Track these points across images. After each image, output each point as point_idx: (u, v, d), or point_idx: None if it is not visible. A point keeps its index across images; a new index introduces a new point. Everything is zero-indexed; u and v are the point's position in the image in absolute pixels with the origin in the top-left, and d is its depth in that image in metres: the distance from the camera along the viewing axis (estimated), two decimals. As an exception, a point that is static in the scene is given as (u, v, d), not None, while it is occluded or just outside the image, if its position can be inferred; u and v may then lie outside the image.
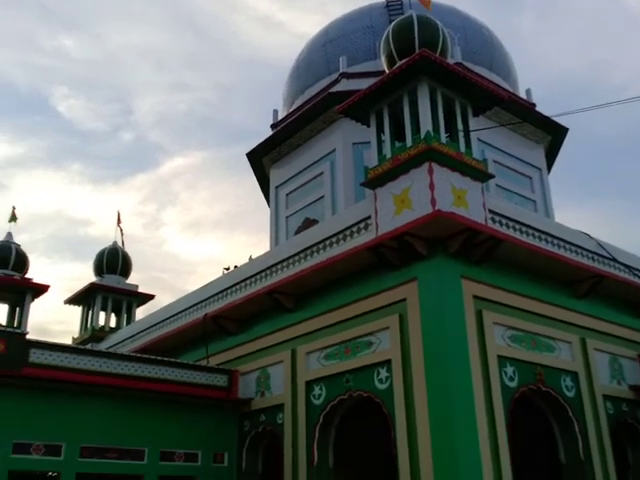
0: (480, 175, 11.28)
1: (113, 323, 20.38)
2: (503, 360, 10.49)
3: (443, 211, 9.97)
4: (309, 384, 11.99)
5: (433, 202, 10.21)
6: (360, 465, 14.24)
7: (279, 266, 13.17)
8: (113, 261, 20.66)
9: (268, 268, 13.42)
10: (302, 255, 12.70)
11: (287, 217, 17.81)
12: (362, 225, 11.63)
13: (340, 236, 11.99)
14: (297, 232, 16.33)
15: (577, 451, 10.98)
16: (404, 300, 10.62)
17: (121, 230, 22.14)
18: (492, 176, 11.91)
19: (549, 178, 19.39)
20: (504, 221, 11.57)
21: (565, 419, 11.17)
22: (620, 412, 12.09)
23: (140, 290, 20.98)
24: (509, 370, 10.53)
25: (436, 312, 10.08)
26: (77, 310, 20.89)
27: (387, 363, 10.59)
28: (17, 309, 11.83)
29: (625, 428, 12.33)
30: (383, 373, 10.64)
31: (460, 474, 9.11)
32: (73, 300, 20.48)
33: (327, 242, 12.20)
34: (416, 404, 9.90)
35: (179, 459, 12.48)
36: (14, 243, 12.31)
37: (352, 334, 11.35)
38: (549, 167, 19.90)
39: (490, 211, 11.29)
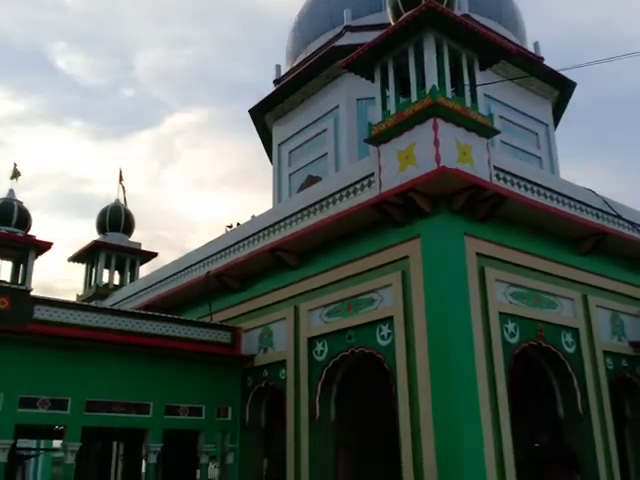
0: (486, 131, 11.12)
1: (117, 281, 20.47)
2: (504, 317, 10.53)
3: (448, 167, 9.85)
4: (311, 341, 12.09)
5: (437, 158, 10.08)
6: (361, 420, 14.48)
7: (282, 224, 13.12)
8: (116, 219, 20.61)
9: (271, 226, 13.38)
10: (305, 212, 12.63)
11: (290, 174, 17.67)
12: (365, 182, 11.52)
13: (343, 193, 11.90)
14: (300, 189, 16.23)
15: (576, 406, 11.12)
16: (407, 257, 10.60)
17: (123, 188, 22.04)
18: (498, 132, 11.74)
19: (555, 134, 19.14)
20: (509, 178, 11.45)
21: (564, 374, 11.27)
22: (619, 367, 12.19)
23: (143, 248, 21.03)
24: (510, 326, 10.58)
25: (439, 269, 10.07)
26: (81, 268, 21.03)
27: (389, 320, 10.65)
28: (21, 266, 11.85)
29: (624, 383, 12.46)
30: (385, 330, 10.70)
31: (461, 428, 9.24)
32: (77, 258, 20.54)
33: (330, 199, 12.12)
34: (417, 360, 9.99)
35: (183, 413, 12.69)
36: (16, 200, 12.25)
37: (354, 291, 11.38)
38: (556, 123, 19.63)
39: (495, 167, 11.17)
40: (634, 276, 13.23)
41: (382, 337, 10.74)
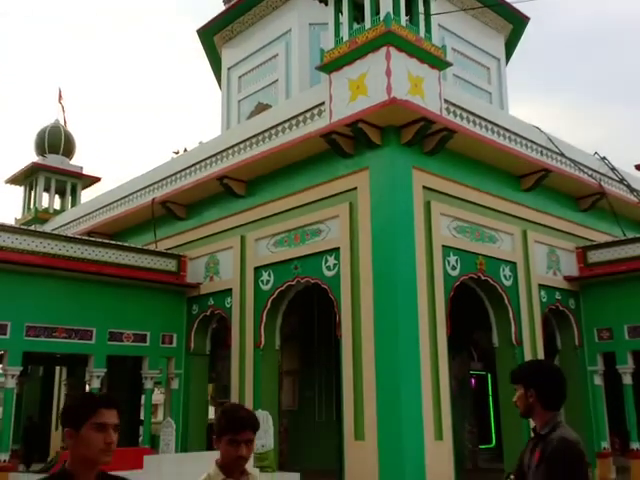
0: (438, 63, 11.00)
1: (57, 205, 19.83)
2: (447, 250, 10.77)
3: (399, 99, 9.76)
4: (258, 270, 12.12)
5: (389, 89, 9.95)
6: (305, 346, 14.83)
7: (230, 151, 12.84)
8: (55, 140, 19.69)
9: (219, 153, 13.08)
10: (254, 140, 12.37)
11: (239, 101, 17.17)
12: (316, 111, 11.32)
13: (293, 122, 11.68)
14: (250, 117, 15.82)
15: (510, 336, 11.63)
16: (355, 189, 10.62)
17: (62, 107, 21.00)
18: (450, 64, 11.65)
19: (506, 70, 19.14)
20: (459, 112, 11.44)
21: (501, 306, 11.72)
22: (553, 300, 12.76)
23: (85, 172, 20.31)
24: (452, 259, 10.84)
25: (386, 202, 10.13)
26: (19, 191, 20.24)
27: (335, 251, 10.74)
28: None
29: (556, 315, 13.08)
30: (331, 260, 10.80)
31: (400, 352, 9.57)
32: (14, 180, 19.73)
33: (280, 128, 11.89)
34: (361, 292, 10.17)
35: (128, 339, 12.67)
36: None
37: (302, 222, 11.38)
38: (507, 58, 19.59)
39: (446, 101, 11.12)
40: (572, 213, 13.68)
41: (328, 268, 10.85)
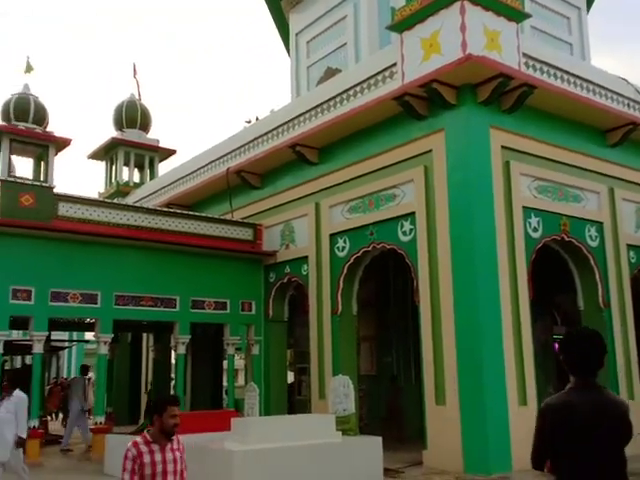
0: (516, 15, 10.46)
1: (137, 178, 20.46)
2: (528, 211, 10.41)
3: (474, 55, 9.38)
4: (333, 237, 12.13)
5: (464, 45, 9.57)
6: (382, 312, 14.81)
7: (301, 118, 12.79)
8: (132, 115, 20.25)
9: (290, 121, 13.06)
10: (324, 107, 12.26)
11: (308, 67, 17.00)
12: (387, 73, 11.06)
13: (364, 85, 11.47)
14: (319, 83, 15.67)
15: (596, 298, 11.18)
16: (430, 151, 10.37)
17: (137, 82, 21.48)
18: (528, 15, 11.05)
19: (588, 19, 18.03)
20: (538, 66, 10.90)
21: (587, 268, 11.26)
22: (643, 261, 12.13)
23: (161, 145, 20.79)
24: (534, 221, 10.47)
25: (463, 163, 9.85)
26: (100, 167, 20.98)
27: (411, 216, 10.58)
28: (42, 164, 11.79)
29: (647, 276, 12.45)
30: (407, 226, 10.66)
31: (480, 317, 9.40)
32: (96, 155, 20.45)
33: (350, 92, 11.71)
34: (439, 256, 10.01)
35: (209, 307, 13.05)
36: (32, 95, 11.92)
37: (376, 187, 11.26)
38: (588, 7, 18.44)
39: (524, 55, 10.61)
40: (664, 168, 12.87)
41: (404, 233, 10.71)
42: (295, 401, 15.34)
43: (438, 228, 10.06)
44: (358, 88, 11.56)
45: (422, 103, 10.33)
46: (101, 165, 20.92)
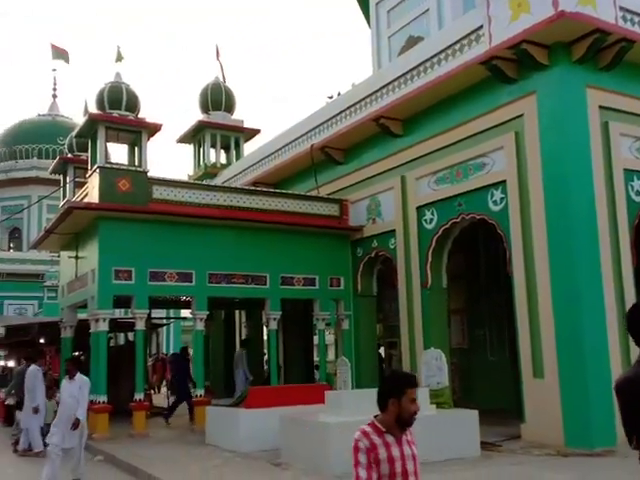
0: (611, -35, 9.78)
1: (223, 159, 20.90)
2: (630, 174, 9.85)
3: (567, 12, 8.87)
4: (420, 209, 11.95)
5: (555, 2, 9.05)
6: (472, 284, 14.51)
7: (384, 90, 12.59)
8: (217, 97, 20.64)
9: (373, 93, 12.89)
10: (408, 77, 12.01)
11: (389, 37, 16.68)
12: (473, 37, 10.66)
13: (449, 52, 11.12)
14: (401, 53, 15.35)
15: None
16: (521, 116, 9.97)
17: (221, 64, 21.84)
18: (625, -35, 10.31)
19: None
20: (637, 19, 10.17)
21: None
22: None
23: (246, 125, 21.11)
24: (636, 184, 9.88)
25: (557, 126, 9.40)
26: (188, 149, 21.57)
27: (502, 184, 10.24)
28: (135, 149, 12.27)
29: None
30: (497, 195, 10.33)
31: (580, 285, 9.01)
32: (184, 139, 21.04)
33: (435, 60, 11.40)
34: (533, 225, 9.65)
35: (298, 283, 13.25)
36: (124, 83, 12.41)
37: (464, 156, 10.96)
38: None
39: (621, 8, 9.91)
40: None
41: (494, 202, 10.39)
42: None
43: (532, 196, 9.68)
44: (442, 55, 11.23)
45: (511, 66, 9.92)
46: (188, 148, 21.52)
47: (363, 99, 13.15)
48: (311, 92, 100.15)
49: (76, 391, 7.85)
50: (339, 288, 13.70)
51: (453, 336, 13.51)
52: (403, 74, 12.12)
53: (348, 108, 13.59)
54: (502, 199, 10.23)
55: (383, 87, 12.64)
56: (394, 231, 12.55)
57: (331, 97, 15.91)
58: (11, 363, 20.46)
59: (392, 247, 12.64)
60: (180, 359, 14.83)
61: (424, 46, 12.26)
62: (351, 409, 8.09)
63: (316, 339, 17.37)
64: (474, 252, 14.26)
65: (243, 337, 18.41)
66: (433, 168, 11.62)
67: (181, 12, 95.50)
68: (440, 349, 9.89)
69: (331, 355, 18.53)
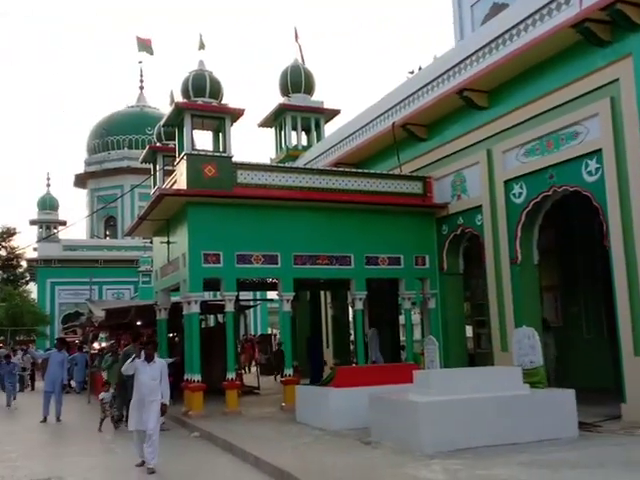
0: None
1: (304, 142, 21.01)
2: None
3: (668, -36, 8.23)
4: (508, 183, 11.55)
5: (654, -45, 8.43)
6: (565, 259, 13.93)
7: (467, 61, 12.19)
8: (296, 79, 20.71)
9: (456, 65, 12.50)
10: (492, 46, 11.56)
11: (472, 6, 16.13)
12: (562, 0, 10.10)
13: (536, 17, 10.59)
14: (484, 22, 14.81)
15: None
16: (616, 81, 9.40)
17: (299, 46, 21.86)
18: None
19: None
20: None
21: None
22: None
23: (325, 106, 21.09)
24: None
25: (657, 90, 8.78)
26: (269, 133, 21.82)
27: (597, 153, 9.71)
28: (220, 135, 12.52)
29: None
30: (592, 165, 9.80)
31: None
32: (265, 123, 21.30)
33: (521, 26, 10.89)
34: (632, 195, 9.12)
35: (383, 263, 13.18)
36: (207, 71, 12.65)
37: (554, 126, 10.46)
38: None
39: None
40: None
41: (589, 173, 9.88)
42: (475, 354, 15.09)
43: (630, 165, 9.14)
44: (529, 21, 10.71)
45: (605, 28, 9.35)
46: (270, 132, 21.75)
47: (445, 72, 12.80)
48: (391, 68, 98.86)
49: (157, 374, 7.67)
50: (424, 267, 13.52)
51: (546, 314, 13.05)
52: (487, 43, 11.69)
53: (430, 82, 13.27)
54: (597, 169, 9.71)
55: (466, 58, 12.25)
56: (481, 207, 12.20)
57: (412, 72, 15.62)
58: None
59: (479, 223, 12.31)
60: (314, 341, 15.32)
61: (509, 13, 11.72)
62: (440, 388, 8.00)
63: (401, 318, 17.29)
64: (566, 226, 13.67)
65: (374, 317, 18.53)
66: (521, 140, 11.17)
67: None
68: (532, 327, 9.56)
69: (417, 335, 18.41)
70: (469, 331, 15.99)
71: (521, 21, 10.86)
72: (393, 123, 14.06)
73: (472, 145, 12.42)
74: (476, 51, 11.94)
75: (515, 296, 11.36)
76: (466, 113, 12.40)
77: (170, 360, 11.54)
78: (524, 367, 8.86)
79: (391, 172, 14.02)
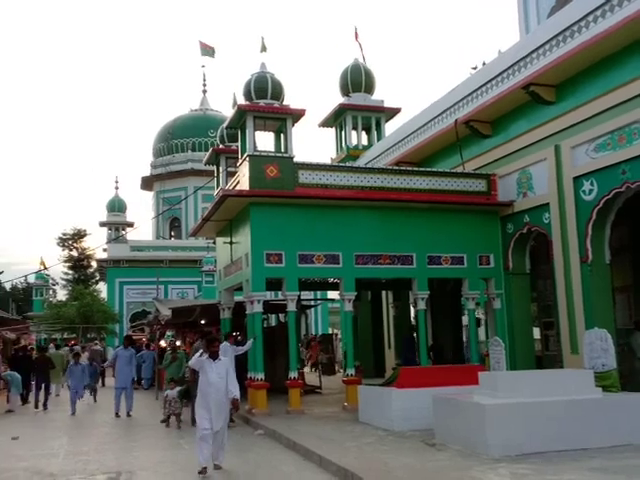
0: None
1: (365, 141, 20.93)
2: None
3: None
4: (577, 180, 11.17)
5: None
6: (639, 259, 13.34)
7: (534, 55, 11.83)
8: (357, 79, 20.63)
9: (521, 59, 12.16)
10: (560, 38, 11.18)
11: (537, -2, 15.67)
12: (638, -13, 9.66)
13: (605, 8, 10.17)
14: (551, 13, 14.37)
15: None
16: (694, 71, 8.91)
17: (360, 45, 21.80)
18: None
19: None
20: None
21: None
22: None
23: (386, 105, 20.94)
24: None
25: None
26: (329, 133, 21.84)
27: (673, 147, 9.25)
28: (281, 136, 12.63)
29: None
30: (670, 158, 9.35)
31: None
32: (325, 123, 21.33)
33: (590, 18, 10.49)
34: None
35: (446, 262, 12.99)
36: (269, 73, 12.79)
37: (627, 119, 10.05)
38: None
39: None
40: None
41: (666, 167, 9.42)
42: (543, 356, 14.65)
43: None
44: (599, 12, 10.30)
45: (682, 15, 8.89)
46: (329, 132, 21.77)
47: (510, 67, 12.48)
48: (453, 65, 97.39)
49: (223, 371, 7.60)
50: (489, 266, 13.23)
51: (618, 316, 12.52)
52: (554, 36, 11.31)
53: (494, 78, 12.97)
54: (675, 164, 9.25)
55: (532, 52, 11.90)
56: (548, 205, 11.84)
57: (475, 68, 15.31)
58: (178, 342, 22.13)
59: (546, 222, 11.94)
60: (409, 340, 15.39)
61: (577, 4, 11.28)
62: (507, 391, 7.83)
63: (465, 319, 16.98)
64: (640, 224, 13.08)
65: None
66: (591, 135, 10.77)
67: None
68: (605, 329, 9.20)
69: (481, 336, 18.04)
70: (536, 333, 15.54)
71: (590, 12, 10.46)
72: (456, 120, 13.82)
73: (539, 141, 12.07)
74: (543, 44, 11.58)
75: (585, 297, 10.97)
76: (532, 108, 12.06)
77: (249, 344, 11.76)
78: (596, 370, 8.54)
79: (454, 170, 13.78)
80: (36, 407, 15.62)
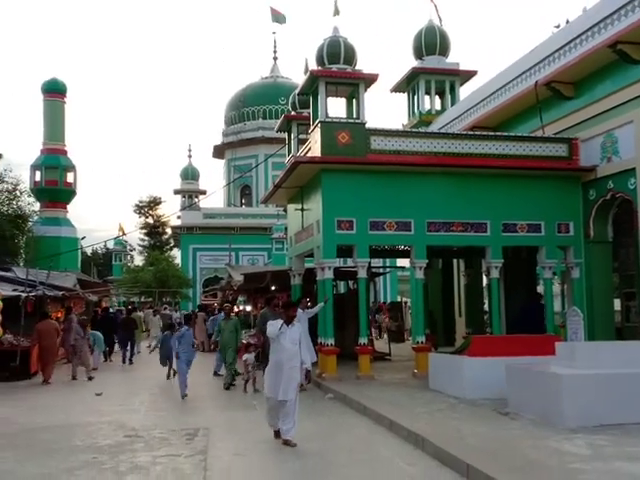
0: None
1: (438, 106, 20.40)
2: None
3: None
4: (667, 143, 10.52)
5: None
6: None
7: (622, 11, 11.11)
8: (431, 41, 19.99)
9: (608, 16, 11.45)
10: (652, -9, 10.45)
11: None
12: None
13: None
14: (641, -35, 13.40)
15: None
16: None
17: (435, 5, 21.10)
18: None
19: None
20: None
21: None
22: None
23: (461, 68, 20.27)
24: None
25: None
26: (401, 98, 21.40)
27: None
28: (353, 101, 12.47)
29: None
30: None
31: None
32: (398, 88, 20.88)
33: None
34: None
35: (522, 230, 12.62)
36: (341, 37, 12.59)
37: None
38: None
39: None
40: None
41: None
42: (623, 328, 14.09)
43: None
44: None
45: None
46: (401, 97, 21.34)
47: (596, 24, 11.78)
48: (534, 25, 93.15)
49: (297, 337, 7.12)
50: (568, 234, 12.76)
51: None
52: (645, -11, 10.58)
53: (579, 36, 12.28)
54: None
55: (620, 8, 11.18)
56: (634, 170, 11.24)
57: (558, 26, 14.52)
58: (248, 307, 22.65)
59: (631, 187, 11.35)
60: (535, 305, 15.02)
61: (672, -47, 10.52)
62: (585, 361, 7.61)
63: (539, 288, 16.48)
64: None
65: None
66: (684, 95, 10.09)
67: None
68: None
69: (557, 306, 17.50)
70: (616, 304, 14.95)
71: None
72: (536, 82, 13.23)
73: (626, 102, 11.40)
74: (632, 0, 10.86)
75: (672, 267, 10.42)
76: (619, 68, 11.38)
77: (320, 306, 11.82)
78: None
79: (532, 134, 13.26)
80: (123, 362, 17.08)
